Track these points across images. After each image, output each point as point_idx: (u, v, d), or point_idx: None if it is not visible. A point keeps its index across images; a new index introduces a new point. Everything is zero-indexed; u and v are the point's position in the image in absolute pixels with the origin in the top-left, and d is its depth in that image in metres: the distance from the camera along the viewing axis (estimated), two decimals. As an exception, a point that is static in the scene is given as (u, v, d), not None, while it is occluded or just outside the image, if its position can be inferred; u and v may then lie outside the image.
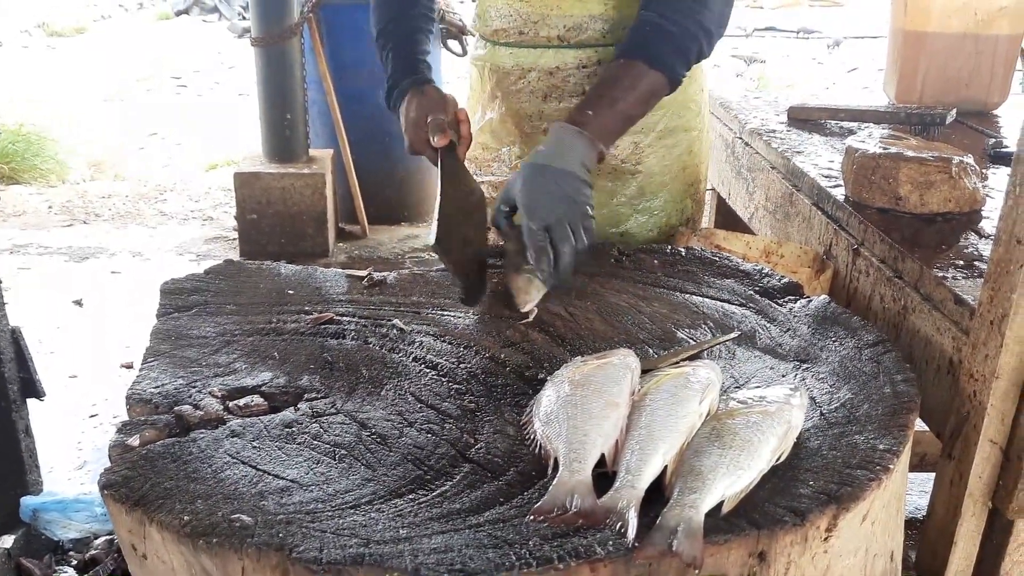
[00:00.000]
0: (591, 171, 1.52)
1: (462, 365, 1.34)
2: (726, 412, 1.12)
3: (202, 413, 1.19)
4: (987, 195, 1.79)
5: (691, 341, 1.41)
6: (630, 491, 0.99)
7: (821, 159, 2.08)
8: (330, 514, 1.00)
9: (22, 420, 2.14)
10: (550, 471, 1.05)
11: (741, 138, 2.44)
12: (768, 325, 1.46)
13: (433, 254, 1.53)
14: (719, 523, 0.97)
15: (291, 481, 1.06)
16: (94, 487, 2.13)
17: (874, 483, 1.03)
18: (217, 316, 1.47)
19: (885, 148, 1.77)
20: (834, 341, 1.38)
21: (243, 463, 1.09)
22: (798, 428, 1.12)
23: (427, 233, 1.51)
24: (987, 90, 2.57)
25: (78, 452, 2.74)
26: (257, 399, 1.23)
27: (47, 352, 3.31)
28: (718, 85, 4.67)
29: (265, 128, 4.25)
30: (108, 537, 2.14)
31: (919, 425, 1.30)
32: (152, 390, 1.24)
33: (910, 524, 1.66)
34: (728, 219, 2.62)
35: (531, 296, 1.47)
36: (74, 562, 2.13)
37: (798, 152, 2.14)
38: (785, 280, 1.59)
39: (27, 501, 2.15)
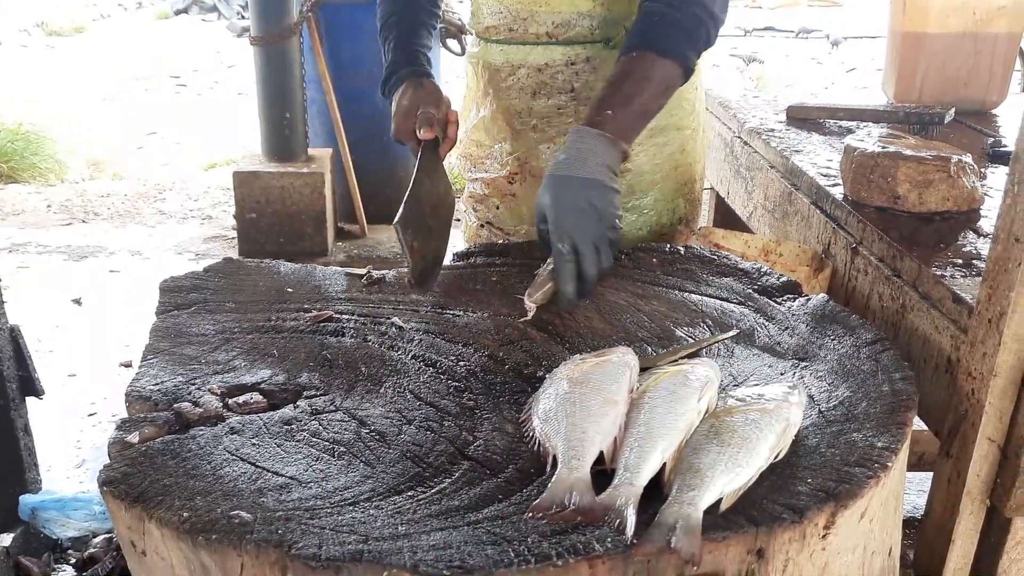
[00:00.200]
0: (617, 173, 1.47)
1: (461, 363, 1.34)
2: (725, 410, 1.12)
3: (201, 410, 1.19)
4: (985, 194, 1.79)
5: (690, 339, 1.41)
6: (628, 488, 0.99)
7: (820, 158, 2.08)
8: (329, 511, 1.00)
9: (21, 418, 2.14)
10: (549, 468, 1.05)
11: (740, 137, 2.45)
12: (767, 323, 1.46)
13: (395, 233, 1.55)
14: (717, 520, 0.97)
15: (290, 478, 1.06)
16: (93, 485, 2.13)
17: (872, 481, 1.03)
18: (216, 314, 1.47)
19: (884, 147, 1.77)
20: (832, 339, 1.38)
21: (242, 460, 1.09)
22: (796, 426, 1.12)
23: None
24: (986, 89, 2.57)
25: (77, 451, 2.74)
26: (256, 396, 1.23)
27: (46, 351, 3.31)
28: (717, 84, 4.68)
29: (264, 127, 4.25)
30: (107, 535, 2.14)
31: (917, 424, 1.30)
32: (151, 387, 1.24)
33: (908, 523, 1.66)
34: (727, 218, 2.62)
35: (540, 298, 1.46)
36: (73, 560, 2.13)
37: (797, 151, 2.15)
38: (784, 279, 1.59)
39: (26, 499, 2.15)
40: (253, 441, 1.13)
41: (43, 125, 5.96)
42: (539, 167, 1.85)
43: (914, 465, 1.81)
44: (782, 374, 1.31)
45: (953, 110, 2.44)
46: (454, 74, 5.16)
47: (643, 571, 0.94)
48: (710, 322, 1.46)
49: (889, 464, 1.06)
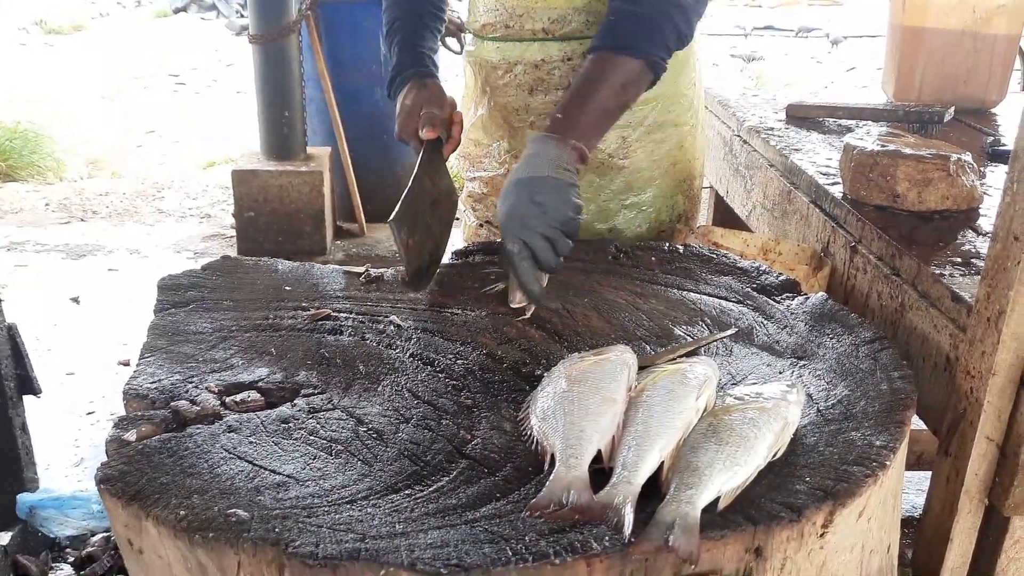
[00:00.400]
0: (570, 169, 1.47)
1: (459, 361, 1.34)
2: (723, 408, 1.12)
3: (199, 408, 1.19)
4: (985, 193, 1.79)
5: (688, 338, 1.41)
6: (626, 487, 0.99)
7: (819, 157, 2.08)
8: (326, 509, 1.00)
9: (19, 417, 2.14)
10: (546, 467, 1.05)
11: (739, 136, 2.44)
12: (765, 322, 1.46)
13: (391, 231, 1.55)
14: (715, 519, 0.97)
15: (287, 476, 1.06)
16: (91, 484, 2.14)
17: (870, 479, 1.03)
18: (214, 312, 1.47)
19: (883, 146, 1.77)
20: (831, 338, 1.38)
21: (239, 458, 1.09)
22: (795, 424, 1.12)
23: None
24: (985, 88, 2.57)
25: (75, 449, 2.74)
26: (254, 395, 1.23)
27: (44, 349, 3.30)
28: (717, 83, 4.67)
29: (263, 126, 4.25)
30: (105, 534, 2.14)
31: (916, 423, 1.30)
32: (149, 385, 1.24)
33: (907, 522, 1.66)
34: (726, 216, 2.62)
35: (523, 296, 1.47)
36: (71, 559, 2.13)
37: (796, 150, 2.14)
38: (783, 277, 1.59)
39: (24, 498, 2.16)
40: (250, 439, 1.13)
41: (42, 123, 5.95)
42: None
43: (913, 464, 1.81)
44: (780, 373, 1.31)
45: (952, 109, 2.44)
46: (453, 72, 5.16)
47: (641, 570, 0.93)
48: (709, 321, 1.46)
49: (887, 463, 1.06)
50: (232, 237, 4.47)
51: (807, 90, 7.48)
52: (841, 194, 1.83)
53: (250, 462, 1.08)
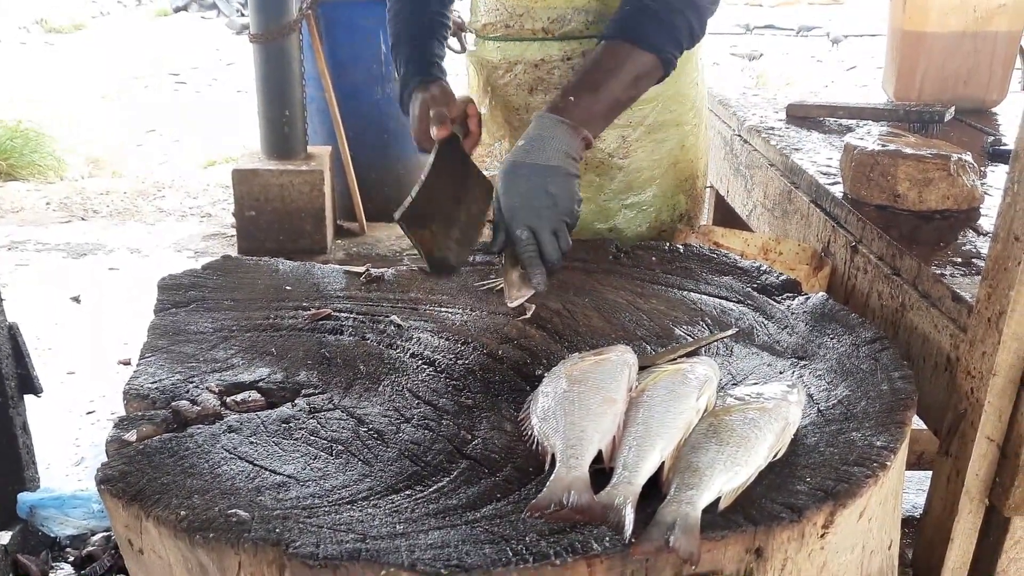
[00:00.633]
0: (578, 160, 1.45)
1: (460, 361, 1.34)
2: (723, 409, 1.12)
3: (199, 408, 1.19)
4: (985, 192, 1.79)
5: (689, 338, 1.41)
6: (627, 487, 0.99)
7: (819, 156, 2.08)
8: (327, 509, 1.00)
9: (19, 416, 2.14)
10: (547, 467, 1.05)
11: (740, 135, 2.44)
12: (766, 322, 1.46)
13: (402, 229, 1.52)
14: (716, 519, 0.97)
15: (288, 476, 1.06)
16: (91, 484, 2.13)
17: (871, 480, 1.03)
18: (215, 312, 1.47)
19: (884, 145, 1.77)
20: (832, 338, 1.38)
21: (240, 458, 1.09)
22: (795, 425, 1.12)
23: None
24: (986, 88, 2.57)
25: (75, 449, 2.74)
26: (254, 395, 1.23)
27: (45, 349, 3.30)
28: (717, 83, 4.67)
29: (263, 125, 4.25)
30: (105, 533, 2.14)
31: (916, 423, 1.30)
32: (149, 385, 1.24)
33: (907, 522, 1.66)
34: (726, 216, 2.62)
35: (523, 292, 1.46)
36: (71, 558, 2.13)
37: (796, 149, 2.14)
38: (783, 277, 1.58)
39: (24, 497, 2.16)
40: (251, 439, 1.13)
41: (42, 123, 5.96)
42: None
43: (913, 464, 1.81)
44: (781, 373, 1.31)
45: (953, 108, 2.44)
46: (454, 72, 5.16)
47: (641, 570, 0.93)
48: (709, 321, 1.46)
49: (888, 463, 1.06)
50: (233, 236, 4.47)
51: (807, 89, 7.47)
52: (842, 194, 1.82)
53: (251, 462, 1.08)
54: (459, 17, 4.46)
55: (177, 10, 12.64)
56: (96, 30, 11.39)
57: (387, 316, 1.46)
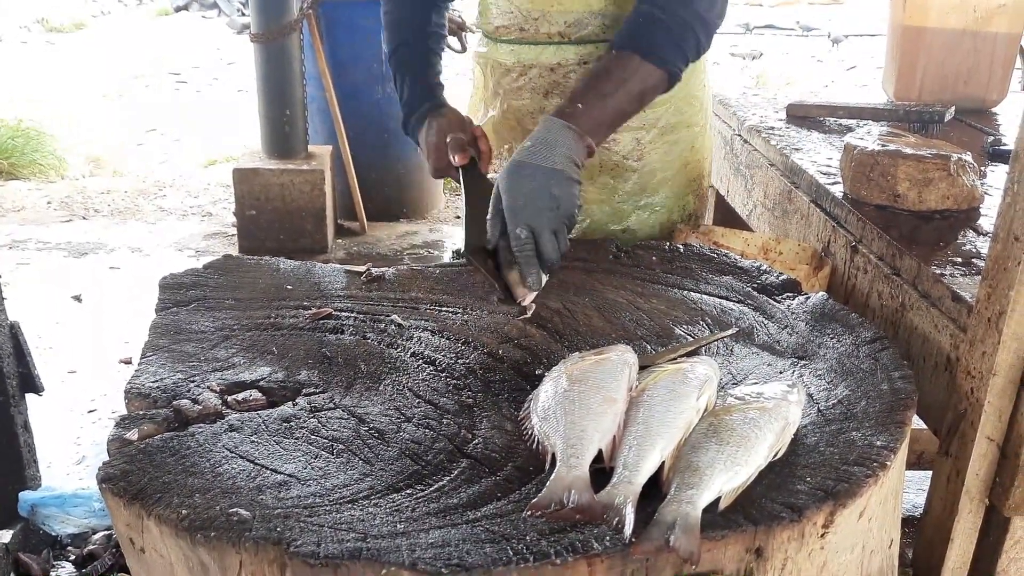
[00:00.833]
0: (580, 166, 1.46)
1: (460, 361, 1.34)
2: (724, 408, 1.12)
3: (200, 408, 1.19)
4: (985, 192, 1.79)
5: (689, 337, 1.41)
6: (627, 487, 0.99)
7: (820, 156, 2.08)
8: (328, 508, 1.00)
9: (21, 415, 2.14)
10: (547, 467, 1.05)
11: (740, 135, 2.44)
12: (766, 322, 1.46)
13: (465, 262, 1.55)
14: (716, 519, 0.97)
15: (289, 475, 1.06)
16: (92, 482, 2.14)
17: (871, 480, 1.03)
18: (216, 311, 1.47)
19: (884, 145, 1.77)
20: (832, 338, 1.38)
21: (241, 457, 1.09)
22: (795, 424, 1.12)
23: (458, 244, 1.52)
24: (986, 87, 2.57)
25: (76, 447, 2.74)
26: (255, 394, 1.23)
27: (46, 347, 3.31)
28: (717, 82, 4.67)
29: (264, 124, 4.25)
30: (106, 532, 2.15)
31: (916, 423, 1.30)
32: (151, 384, 1.24)
33: (907, 522, 1.66)
34: (727, 216, 2.62)
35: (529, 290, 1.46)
36: (72, 557, 2.13)
37: (796, 149, 2.15)
38: (783, 277, 1.59)
39: (25, 496, 2.16)
40: (252, 439, 1.13)
41: (43, 122, 5.96)
42: None
43: (913, 464, 1.81)
44: (781, 372, 1.31)
45: (953, 108, 2.44)
46: (453, 71, 5.16)
47: (641, 570, 0.94)
48: (709, 320, 1.46)
49: (888, 463, 1.06)
50: (233, 235, 4.48)
51: (807, 89, 7.48)
52: (842, 193, 1.83)
53: (252, 461, 1.08)
54: (459, 17, 4.48)
55: (178, 9, 12.65)
56: (97, 29, 11.39)
57: (388, 315, 1.46)
